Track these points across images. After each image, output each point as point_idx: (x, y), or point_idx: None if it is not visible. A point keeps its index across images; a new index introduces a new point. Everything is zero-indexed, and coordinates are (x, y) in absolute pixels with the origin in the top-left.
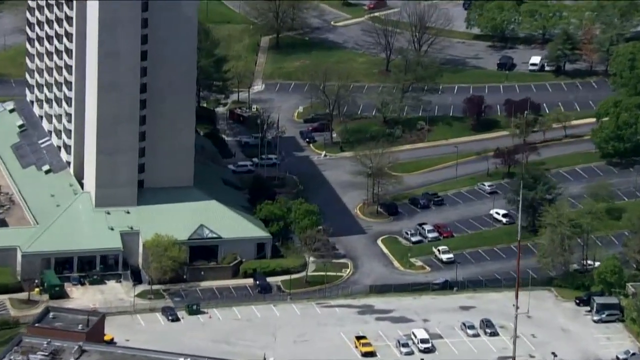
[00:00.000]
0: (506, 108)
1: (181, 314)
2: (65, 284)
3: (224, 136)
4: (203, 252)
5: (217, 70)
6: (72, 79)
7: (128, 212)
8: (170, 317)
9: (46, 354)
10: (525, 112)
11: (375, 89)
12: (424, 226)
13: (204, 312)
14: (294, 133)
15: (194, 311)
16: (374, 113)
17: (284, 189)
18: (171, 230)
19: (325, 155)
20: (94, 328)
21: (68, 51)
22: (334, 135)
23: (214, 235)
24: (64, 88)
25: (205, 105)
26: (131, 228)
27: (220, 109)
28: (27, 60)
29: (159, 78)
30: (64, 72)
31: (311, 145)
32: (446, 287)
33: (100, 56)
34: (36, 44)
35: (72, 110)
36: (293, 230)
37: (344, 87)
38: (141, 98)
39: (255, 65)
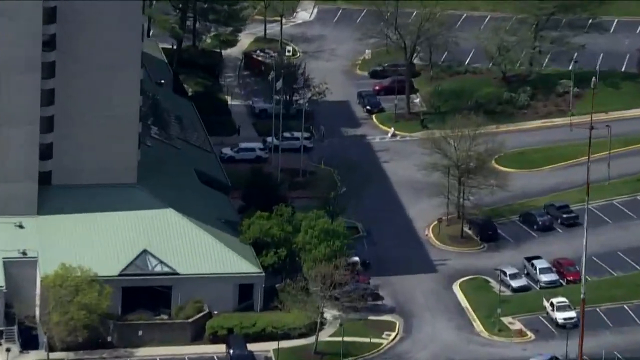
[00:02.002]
0: None
1: None
2: None
3: (227, 98)
4: (145, 298)
5: None
6: None
7: (20, 227)
8: None
9: None
10: None
11: (500, 23)
12: (536, 262)
13: None
14: (350, 95)
15: None
16: (490, 65)
17: (310, 190)
18: (91, 259)
19: (393, 135)
20: None
21: None
22: (416, 100)
23: (166, 270)
24: None
25: (198, 45)
26: (23, 253)
27: (232, 51)
28: None
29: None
30: None
31: (374, 116)
32: None
33: None
34: None
35: None
36: (302, 262)
37: (432, 19)
38: (46, 32)
39: None
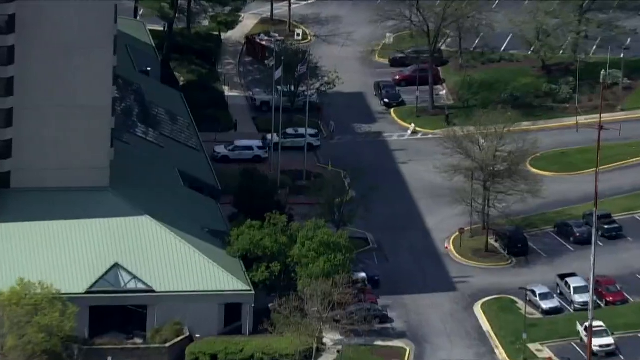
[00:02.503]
0: None
1: None
2: None
3: (224, 88)
4: (116, 319)
5: None
6: None
7: None
8: None
9: None
10: None
11: (540, 4)
12: (570, 280)
13: None
14: (366, 85)
15: None
16: (530, 52)
17: (314, 195)
18: (54, 274)
19: (414, 132)
20: None
21: None
22: (442, 92)
23: (140, 286)
24: None
25: (193, 27)
26: None
27: (234, 34)
28: None
29: None
30: None
31: (392, 110)
32: None
33: None
34: None
35: None
36: (296, 280)
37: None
38: (4, 12)
39: None
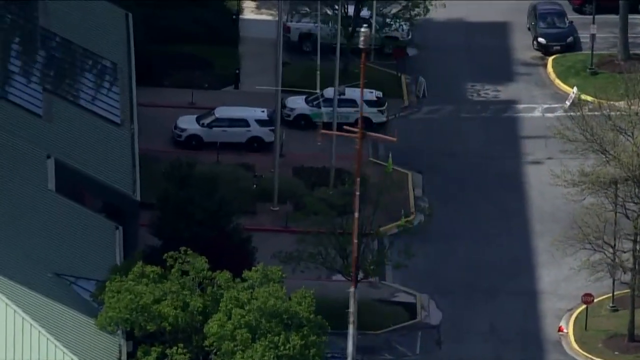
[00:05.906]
0: None
1: None
2: None
3: (240, 6)
4: None
5: None
6: None
7: None
8: None
9: None
10: None
11: None
12: None
13: None
14: (514, 12)
15: None
16: None
17: (304, 218)
18: None
19: (576, 103)
20: None
21: None
22: None
23: None
24: None
25: None
26: None
27: None
28: None
29: None
30: None
31: (550, 60)
32: None
33: None
34: None
35: None
36: None
37: None
38: None
39: None
